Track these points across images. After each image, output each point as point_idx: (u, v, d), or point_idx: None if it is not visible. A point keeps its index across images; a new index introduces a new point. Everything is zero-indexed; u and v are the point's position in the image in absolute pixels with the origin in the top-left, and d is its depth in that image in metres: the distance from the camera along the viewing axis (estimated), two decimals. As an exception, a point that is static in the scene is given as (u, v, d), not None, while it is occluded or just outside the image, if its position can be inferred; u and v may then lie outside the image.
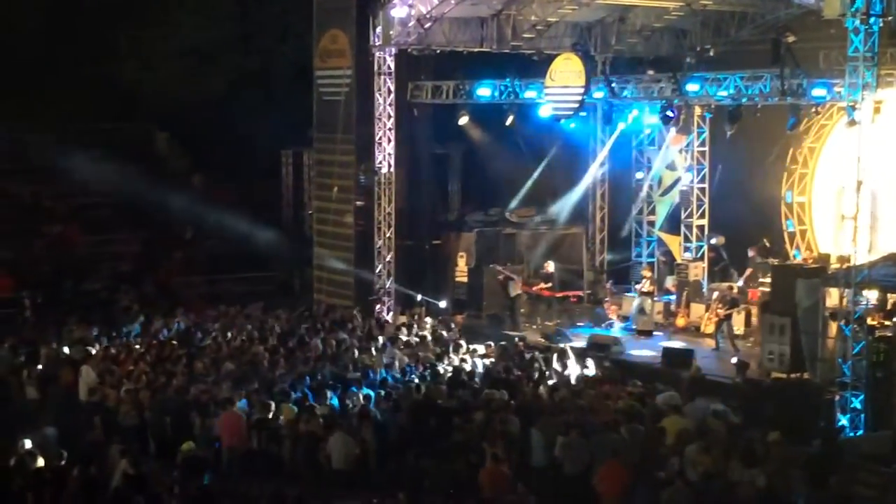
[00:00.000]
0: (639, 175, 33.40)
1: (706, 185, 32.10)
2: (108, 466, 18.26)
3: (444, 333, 28.50)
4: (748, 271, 30.09)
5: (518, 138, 33.20)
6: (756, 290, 29.00)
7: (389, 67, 31.79)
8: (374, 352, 26.09)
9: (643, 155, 33.17)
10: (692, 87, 26.87)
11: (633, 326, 30.23)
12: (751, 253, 30.56)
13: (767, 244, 30.38)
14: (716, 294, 29.18)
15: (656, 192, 33.37)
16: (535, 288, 32.19)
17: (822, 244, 29.76)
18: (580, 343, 28.00)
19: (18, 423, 21.64)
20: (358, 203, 33.21)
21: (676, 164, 32.54)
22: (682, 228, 32.68)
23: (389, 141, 32.03)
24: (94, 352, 25.58)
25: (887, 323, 23.42)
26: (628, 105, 30.34)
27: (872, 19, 20.87)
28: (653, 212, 33.53)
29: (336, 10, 32.85)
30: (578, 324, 30.99)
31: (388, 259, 32.13)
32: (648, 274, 31.82)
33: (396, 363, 25.13)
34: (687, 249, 32.53)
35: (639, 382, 23.50)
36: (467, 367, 24.87)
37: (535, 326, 30.86)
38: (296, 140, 38.32)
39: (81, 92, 38.40)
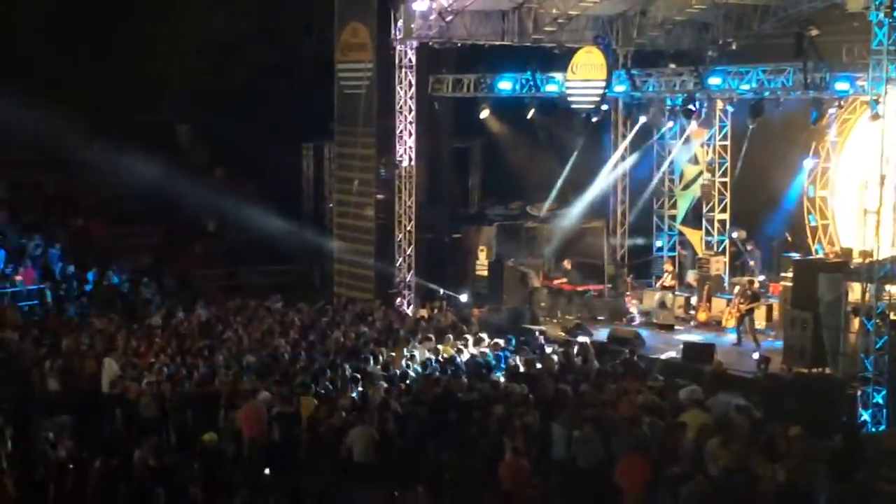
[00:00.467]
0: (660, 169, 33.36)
1: (727, 179, 32.00)
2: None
3: (465, 327, 28.48)
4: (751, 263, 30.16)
5: (539, 132, 33.15)
6: (778, 285, 28.92)
7: (410, 61, 31.79)
8: (394, 345, 26.12)
9: (664, 149, 33.07)
10: (714, 81, 26.79)
11: (654, 321, 30.17)
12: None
13: (789, 239, 30.27)
14: (737, 288, 29.10)
15: (678, 186, 33.29)
16: (555, 282, 32.16)
17: (844, 239, 29.63)
18: (600, 337, 27.97)
19: (40, 414, 21.77)
20: (378, 196, 33.23)
21: (698, 157, 32.45)
22: (704, 222, 32.59)
23: (410, 134, 32.04)
24: (116, 344, 25.67)
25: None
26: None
27: (896, 13, 20.77)
28: (674, 206, 33.46)
29: (357, 4, 32.84)
30: (599, 318, 30.95)
31: (408, 252, 32.15)
32: (670, 268, 31.77)
33: (417, 356, 25.14)
34: (708, 244, 32.45)
35: (660, 377, 23.46)
36: (487, 360, 24.87)
37: (555, 320, 30.82)
38: (317, 133, 38.34)
39: (105, 85, 38.46)
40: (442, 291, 32.10)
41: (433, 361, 24.70)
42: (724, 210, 32.23)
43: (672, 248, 33.55)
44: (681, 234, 33.44)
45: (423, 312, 30.41)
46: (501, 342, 26.72)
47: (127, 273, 35.19)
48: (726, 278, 30.85)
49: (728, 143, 31.70)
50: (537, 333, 28.24)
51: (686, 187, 33.06)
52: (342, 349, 25.69)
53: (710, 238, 32.42)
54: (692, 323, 29.97)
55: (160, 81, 40.31)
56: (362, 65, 32.83)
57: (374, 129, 32.70)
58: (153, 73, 40.17)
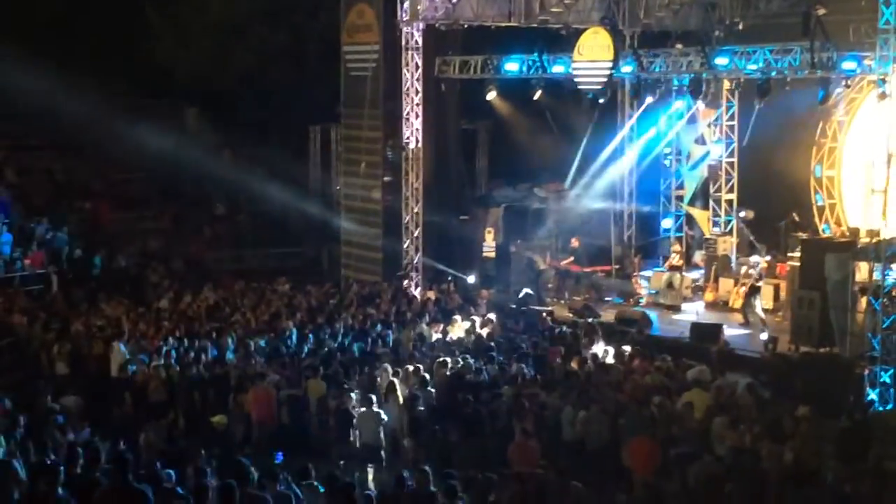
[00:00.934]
0: (666, 150, 33.30)
1: (735, 160, 31.96)
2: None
3: (472, 308, 28.52)
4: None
5: (546, 113, 33.11)
6: (784, 265, 28.91)
7: (417, 42, 31.75)
8: (402, 327, 26.16)
9: (671, 130, 33.00)
10: (721, 61, 26.71)
11: (662, 301, 30.18)
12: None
13: (797, 219, 30.24)
14: (743, 269, 29.11)
15: (685, 167, 33.26)
16: (563, 263, 32.18)
17: (851, 218, 29.60)
18: (608, 318, 28.00)
19: (49, 397, 21.80)
20: (385, 179, 33.24)
21: (705, 137, 32.41)
22: (711, 203, 32.57)
23: (417, 116, 32.01)
24: (124, 328, 25.73)
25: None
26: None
27: (904, -9, 20.71)
28: (681, 186, 33.42)
29: (363, -14, 32.84)
30: (606, 298, 30.98)
31: (415, 234, 32.16)
32: (677, 248, 31.76)
33: (425, 338, 25.18)
34: (715, 224, 32.44)
35: (668, 357, 23.50)
36: (495, 341, 24.92)
37: (563, 301, 30.86)
38: (324, 116, 38.34)
39: (113, 68, 38.48)
40: (450, 273, 32.12)
41: (441, 343, 24.75)
42: (731, 190, 32.19)
43: (679, 229, 33.53)
44: (688, 214, 33.42)
45: (431, 294, 30.44)
46: (510, 323, 26.79)
47: (135, 256, 35.27)
48: (734, 259, 30.83)
49: (735, 123, 31.64)
50: (545, 315, 28.29)
51: (693, 167, 33.01)
52: (350, 331, 25.74)
53: (717, 218, 32.39)
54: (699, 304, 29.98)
55: (168, 65, 40.32)
56: (368, 47, 32.81)
57: (380, 112, 32.69)
58: (160, 57, 40.19)
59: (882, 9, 20.95)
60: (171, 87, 40.80)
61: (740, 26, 29.19)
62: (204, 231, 38.91)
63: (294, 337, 25.22)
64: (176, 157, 36.56)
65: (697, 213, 33.07)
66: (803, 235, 28.52)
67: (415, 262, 32.17)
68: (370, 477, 19.25)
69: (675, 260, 31.36)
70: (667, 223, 33.77)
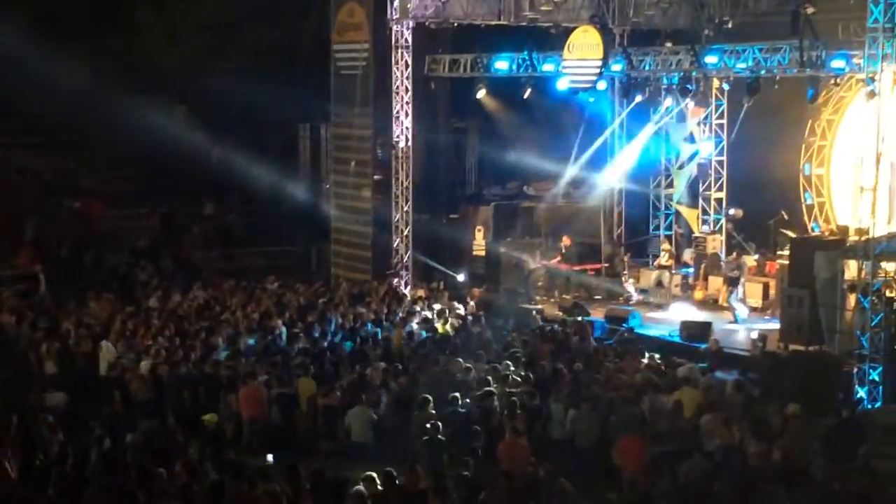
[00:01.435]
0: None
1: (724, 158, 31.99)
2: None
3: (462, 307, 28.52)
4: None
5: (536, 111, 33.11)
6: (774, 263, 28.97)
7: (407, 41, 31.75)
8: (391, 325, 26.15)
9: (661, 128, 33.02)
10: (710, 60, 26.74)
11: (651, 300, 30.21)
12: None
13: (786, 217, 30.29)
14: (724, 266, 29.33)
15: (674, 165, 33.28)
16: (552, 262, 32.20)
17: (840, 216, 29.66)
18: (598, 316, 28.02)
19: (37, 396, 21.77)
20: (375, 177, 33.22)
21: (695, 136, 32.43)
22: (700, 201, 32.60)
23: (407, 115, 32.01)
24: (113, 327, 25.67)
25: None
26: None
27: (892, -10, 20.74)
28: (671, 185, 33.45)
29: (353, -16, 32.81)
30: (596, 297, 31.00)
31: (405, 233, 32.16)
32: (667, 247, 31.80)
33: (414, 336, 25.17)
34: (705, 222, 32.46)
35: (657, 356, 23.52)
36: (485, 340, 24.92)
37: (552, 300, 30.88)
38: (314, 114, 38.29)
39: (102, 65, 38.36)
40: (440, 271, 32.11)
41: (431, 341, 24.75)
42: (720, 189, 32.22)
43: (669, 227, 33.56)
44: (677, 212, 33.44)
45: (421, 292, 30.44)
46: (499, 322, 26.80)
47: (124, 255, 35.18)
48: (723, 256, 30.87)
49: (724, 121, 31.67)
50: (535, 313, 28.31)
51: (682, 166, 33.02)
52: (340, 329, 25.72)
53: (706, 217, 32.42)
54: (689, 302, 29.99)
55: (158, 62, 40.22)
56: (358, 45, 32.77)
57: (370, 110, 32.67)
58: (151, 54, 40.10)
59: (871, 7, 21.00)
60: (161, 83, 40.69)
61: (730, 25, 29.15)
62: (193, 230, 38.81)
63: (284, 335, 25.18)
64: (165, 155, 36.44)
65: (686, 212, 33.10)
66: (792, 234, 28.58)
67: (404, 260, 32.16)
68: (360, 475, 19.23)
69: (665, 259, 31.39)
70: (656, 222, 33.78)
